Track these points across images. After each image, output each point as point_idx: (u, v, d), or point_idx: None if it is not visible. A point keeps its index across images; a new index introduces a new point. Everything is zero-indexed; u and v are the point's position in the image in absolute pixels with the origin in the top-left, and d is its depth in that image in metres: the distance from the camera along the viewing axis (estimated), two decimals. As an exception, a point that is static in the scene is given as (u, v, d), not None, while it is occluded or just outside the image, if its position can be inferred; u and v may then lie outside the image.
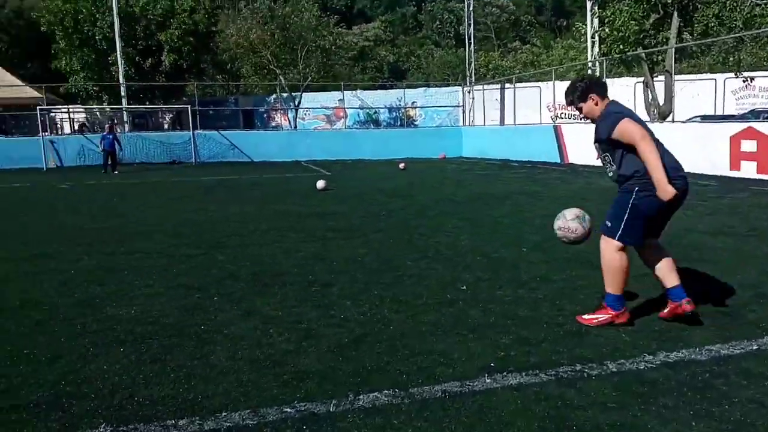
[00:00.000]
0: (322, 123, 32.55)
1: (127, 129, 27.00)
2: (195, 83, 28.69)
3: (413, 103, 31.32)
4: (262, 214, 9.06)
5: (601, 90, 3.66)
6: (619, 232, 3.52)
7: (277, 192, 12.42)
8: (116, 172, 19.41)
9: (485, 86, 28.55)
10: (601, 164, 3.75)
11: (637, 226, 3.50)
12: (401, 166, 18.72)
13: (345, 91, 30.47)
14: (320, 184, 12.15)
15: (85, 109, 30.78)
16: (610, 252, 3.57)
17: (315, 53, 27.76)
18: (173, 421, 2.62)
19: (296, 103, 29.07)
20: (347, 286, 4.78)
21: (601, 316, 3.67)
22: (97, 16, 26.88)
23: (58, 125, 31.16)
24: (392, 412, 2.67)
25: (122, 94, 26.48)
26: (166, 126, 34.71)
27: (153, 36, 27.84)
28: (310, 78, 28.44)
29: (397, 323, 3.87)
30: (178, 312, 4.20)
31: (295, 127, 29.21)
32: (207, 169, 20.80)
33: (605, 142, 3.55)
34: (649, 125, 3.63)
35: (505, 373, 3.05)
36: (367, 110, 32.36)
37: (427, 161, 22.80)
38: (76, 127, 30.75)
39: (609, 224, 3.59)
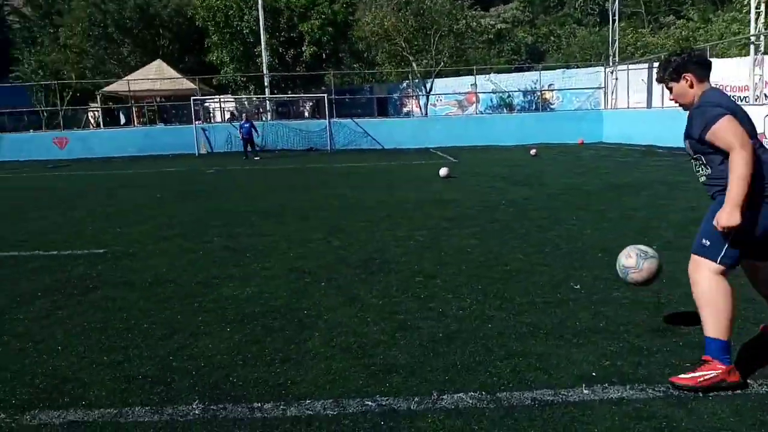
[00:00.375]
0: (453, 109, 32.27)
1: (270, 117, 28.72)
2: (332, 72, 29.68)
3: (550, 85, 29.92)
4: (383, 201, 9.17)
5: (701, 70, 2.92)
6: (722, 253, 2.74)
7: (401, 179, 12.53)
8: (257, 158, 20.74)
9: (630, 66, 26.48)
10: (693, 166, 3.00)
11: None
12: (532, 152, 18.02)
13: (477, 76, 29.93)
14: (443, 171, 12.05)
15: (234, 98, 33.18)
16: (708, 279, 2.77)
17: (448, 38, 27.44)
18: (259, 405, 2.72)
19: (428, 89, 29.03)
20: (451, 279, 4.68)
21: (707, 374, 2.68)
22: (245, 10, 28.73)
23: (210, 114, 33.95)
24: (474, 416, 2.55)
25: (266, 84, 28.15)
26: (306, 114, 36.48)
27: (295, 27, 29.22)
28: (442, 63, 28.23)
29: (496, 321, 3.71)
30: (287, 295, 4.37)
31: (426, 113, 29.21)
32: (340, 156, 21.53)
33: (697, 141, 2.83)
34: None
35: (606, 385, 2.79)
36: (500, 94, 31.50)
37: (562, 147, 21.74)
38: (227, 116, 33.35)
39: (705, 243, 2.81)
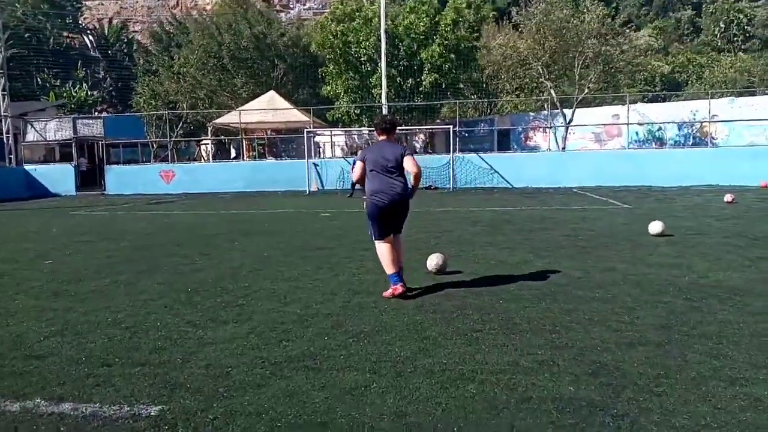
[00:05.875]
0: (589, 143, 28.26)
1: (384, 151, 26.19)
2: (457, 102, 26.78)
3: (713, 117, 25.24)
4: (586, 274, 5.87)
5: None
6: None
7: (580, 235, 9.10)
8: (366, 196, 18.18)
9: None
10: None
11: None
12: (728, 198, 13.89)
13: (618, 106, 25.93)
14: (656, 227, 8.51)
15: (344, 132, 31.24)
16: None
17: (596, 61, 23.64)
18: None
19: (567, 120, 25.27)
20: None
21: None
22: (363, 35, 26.79)
23: (321, 148, 32.17)
24: None
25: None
26: (417, 148, 33.87)
27: (415, 55, 26.84)
28: (587, 90, 24.39)
29: None
30: None
31: (564, 148, 25.42)
32: (469, 197, 18.37)
33: None
34: None
35: None
36: (649, 127, 27.14)
37: (744, 190, 17.26)
38: (338, 152, 31.46)
39: None
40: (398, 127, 5.56)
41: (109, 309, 5.14)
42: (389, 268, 5.15)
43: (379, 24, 24.24)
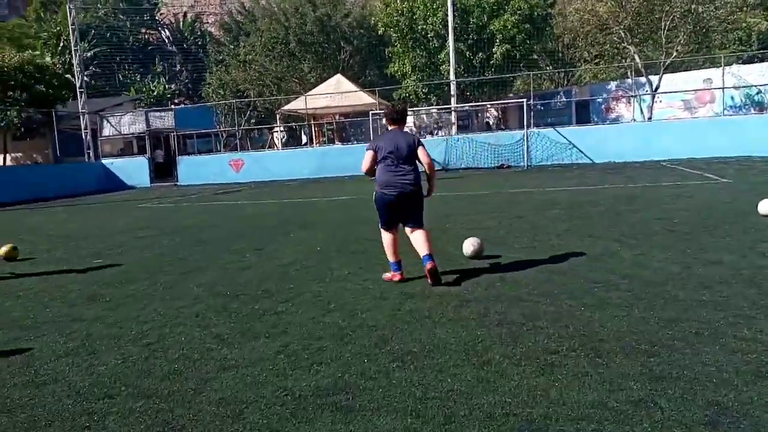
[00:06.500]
0: (677, 111, 25.92)
1: (453, 131, 25.18)
2: (531, 74, 25.18)
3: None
4: (692, 275, 4.85)
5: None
6: None
7: (675, 217, 7.91)
8: None
9: None
10: None
11: None
12: None
13: (711, 68, 23.52)
14: (767, 206, 7.23)
15: (414, 111, 30.31)
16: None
17: (685, 20, 21.30)
18: None
19: (653, 87, 23.15)
20: None
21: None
22: (431, 11, 25.71)
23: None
24: None
25: (452, 92, 24.62)
26: (489, 124, 32.49)
27: (485, 28, 25.47)
28: (675, 53, 22.13)
29: None
30: None
31: (650, 118, 23.35)
32: (544, 176, 17.12)
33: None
34: None
35: None
36: (747, 90, 24.52)
37: None
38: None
39: None
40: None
41: (138, 319, 4.68)
42: (391, 257, 5.25)
43: (446, -2, 23.12)
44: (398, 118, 5.22)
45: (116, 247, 8.53)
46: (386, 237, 5.22)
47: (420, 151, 5.06)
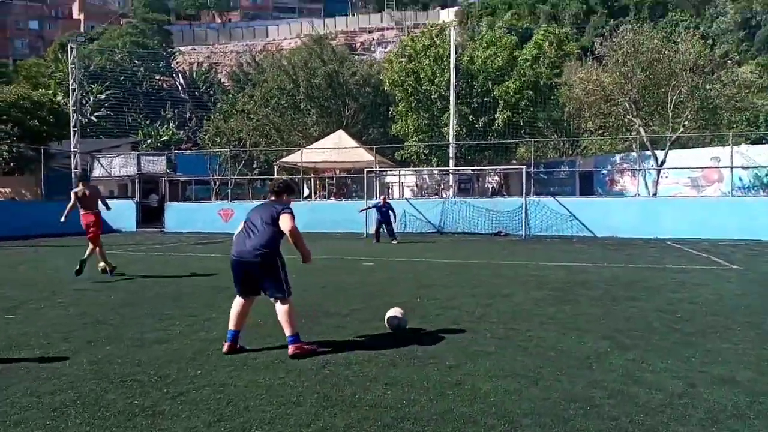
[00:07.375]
0: (683, 189, 25.09)
1: (452, 194, 24.40)
2: (532, 140, 24.59)
3: (840, 161, 21.58)
4: (697, 398, 3.77)
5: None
6: None
7: (678, 310, 6.84)
8: (394, 241, 17.50)
9: None
10: None
11: None
12: None
13: (717, 148, 22.81)
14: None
15: (415, 172, 29.73)
16: None
17: (692, 97, 20.71)
18: None
19: (659, 162, 22.37)
20: None
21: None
22: (437, 72, 25.51)
23: (389, 190, 30.73)
24: None
25: (450, 154, 24.01)
26: (492, 190, 31.80)
27: (489, 92, 25.14)
28: (681, 129, 21.43)
29: None
30: None
31: (655, 193, 22.47)
32: (541, 247, 16.11)
33: None
34: None
35: None
36: (756, 171, 23.73)
37: None
38: (410, 193, 29.96)
39: None
40: (292, 193, 5.36)
41: (-24, 412, 3.61)
42: (230, 323, 5.02)
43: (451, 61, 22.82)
44: (276, 191, 5.26)
45: (41, 301, 7.52)
46: (235, 303, 5.07)
47: (282, 219, 4.88)
